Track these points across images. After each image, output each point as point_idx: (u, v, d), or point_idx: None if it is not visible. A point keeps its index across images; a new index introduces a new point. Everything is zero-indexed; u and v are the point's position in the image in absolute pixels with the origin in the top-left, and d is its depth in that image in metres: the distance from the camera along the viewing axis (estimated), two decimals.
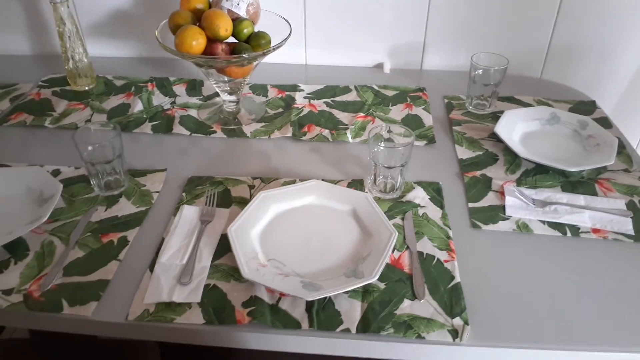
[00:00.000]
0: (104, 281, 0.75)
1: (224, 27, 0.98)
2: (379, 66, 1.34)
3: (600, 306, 0.73)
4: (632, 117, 1.38)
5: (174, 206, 0.89)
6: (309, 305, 0.71)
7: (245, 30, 1.02)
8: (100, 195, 0.91)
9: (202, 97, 1.21)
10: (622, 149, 1.02)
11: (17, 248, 0.80)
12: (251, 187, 0.93)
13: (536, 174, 0.95)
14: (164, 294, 0.73)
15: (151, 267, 0.77)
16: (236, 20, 1.02)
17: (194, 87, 1.24)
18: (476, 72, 1.11)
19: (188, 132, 1.08)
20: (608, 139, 1.00)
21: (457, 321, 0.69)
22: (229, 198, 0.90)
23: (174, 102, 1.18)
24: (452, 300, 0.72)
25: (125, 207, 0.88)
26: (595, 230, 0.84)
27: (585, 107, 1.17)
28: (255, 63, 1.05)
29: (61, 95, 1.20)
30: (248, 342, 0.70)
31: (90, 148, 0.88)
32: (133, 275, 0.76)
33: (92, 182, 0.91)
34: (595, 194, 0.91)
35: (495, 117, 1.12)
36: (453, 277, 0.76)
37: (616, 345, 0.68)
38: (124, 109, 1.15)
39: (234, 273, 0.76)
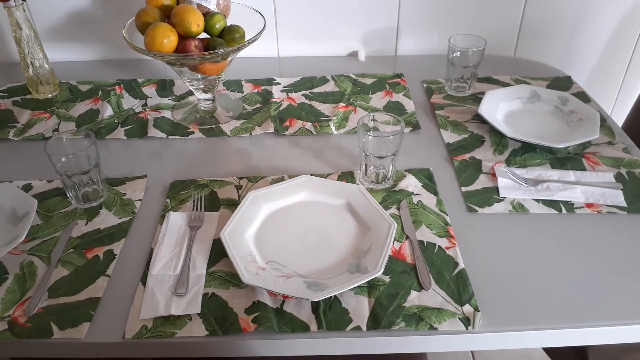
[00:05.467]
0: (94, 299, 0.71)
1: (196, 23, 0.94)
2: (354, 54, 1.32)
3: (603, 280, 0.73)
4: (604, 88, 1.40)
5: (159, 214, 0.85)
6: (315, 305, 0.69)
7: (217, 25, 0.97)
8: (78, 208, 0.85)
9: (174, 97, 1.16)
10: (603, 122, 1.03)
11: None
12: (238, 187, 0.89)
13: (524, 153, 0.95)
14: (160, 308, 0.69)
15: (143, 281, 0.73)
16: (207, 15, 0.97)
17: (164, 87, 1.19)
18: (454, 55, 1.10)
19: (164, 135, 1.03)
20: (590, 114, 1.00)
21: (467, 308, 0.68)
22: (217, 201, 0.87)
23: (145, 105, 1.13)
24: (459, 288, 0.71)
25: (107, 219, 0.84)
26: (589, 205, 0.84)
27: (562, 83, 1.18)
28: (230, 59, 1.01)
29: (23, 105, 1.13)
30: (256, 350, 0.67)
31: (64, 159, 0.82)
32: (124, 290, 0.72)
33: (68, 195, 0.85)
34: (583, 168, 0.92)
35: (476, 98, 1.11)
36: (457, 264, 0.74)
37: (623, 318, 0.68)
38: (93, 115, 1.09)
39: (232, 279, 0.73)
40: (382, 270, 0.70)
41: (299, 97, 1.14)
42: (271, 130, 1.04)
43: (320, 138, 1.02)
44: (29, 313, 0.69)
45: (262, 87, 1.18)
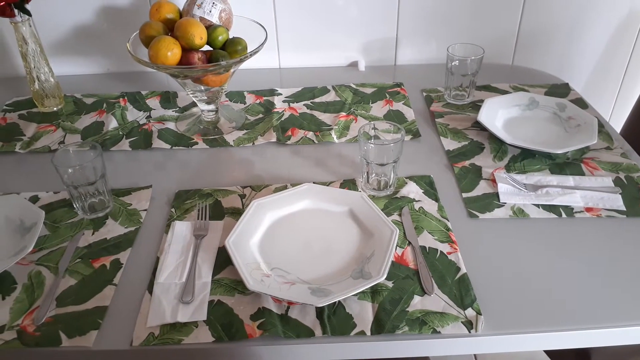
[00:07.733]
0: (101, 308, 0.72)
1: (199, 36, 0.96)
2: (354, 64, 1.34)
3: (603, 283, 0.74)
4: (601, 94, 1.42)
5: (165, 223, 0.86)
6: (319, 311, 0.70)
7: (220, 37, 0.99)
8: (85, 218, 0.87)
9: (178, 108, 1.17)
10: (601, 127, 1.04)
11: (2, 282, 0.75)
12: (242, 196, 0.91)
13: (523, 159, 0.97)
14: (167, 315, 0.70)
15: (149, 289, 0.74)
16: (210, 28, 0.99)
17: (168, 99, 1.21)
18: (453, 63, 1.12)
19: (168, 146, 1.05)
20: (588, 119, 1.02)
21: (470, 312, 0.69)
22: (221, 210, 0.88)
23: (149, 116, 1.14)
24: (461, 292, 0.72)
25: (113, 229, 0.85)
26: (589, 209, 0.85)
27: (560, 89, 1.20)
28: (232, 70, 1.02)
29: (29, 118, 1.14)
30: (261, 355, 0.68)
31: (70, 170, 0.84)
32: (131, 298, 0.73)
33: (75, 206, 0.87)
34: (582, 173, 0.93)
35: (475, 106, 1.13)
36: (459, 269, 0.75)
37: (624, 321, 0.69)
38: (98, 128, 1.11)
39: (237, 286, 0.74)
40: (385, 276, 0.71)
41: (300, 107, 1.16)
42: (274, 139, 1.05)
43: (322, 147, 1.04)
44: (38, 322, 0.70)
45: (264, 98, 1.20)
